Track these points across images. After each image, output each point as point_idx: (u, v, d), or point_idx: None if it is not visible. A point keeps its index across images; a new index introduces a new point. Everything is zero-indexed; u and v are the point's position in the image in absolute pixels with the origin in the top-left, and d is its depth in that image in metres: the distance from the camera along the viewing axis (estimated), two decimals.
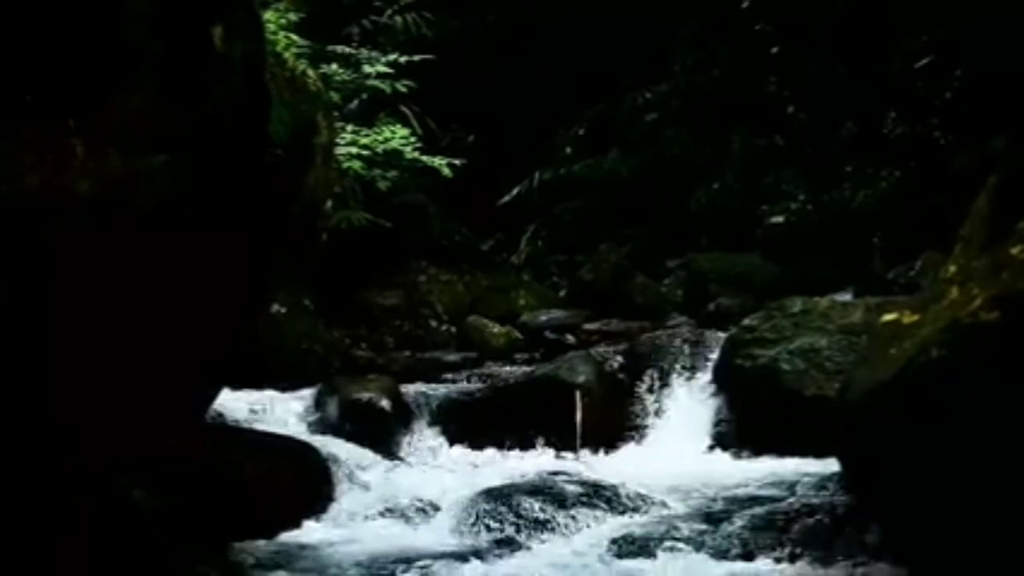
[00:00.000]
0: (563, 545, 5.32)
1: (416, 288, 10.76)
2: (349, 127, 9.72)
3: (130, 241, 3.91)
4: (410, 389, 7.89)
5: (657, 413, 7.41)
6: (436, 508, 5.89)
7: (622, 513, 5.61)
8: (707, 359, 7.57)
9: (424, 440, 7.45)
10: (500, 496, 5.77)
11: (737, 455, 6.88)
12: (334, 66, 9.89)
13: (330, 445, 6.78)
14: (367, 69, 10.19)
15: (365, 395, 7.50)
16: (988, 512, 3.87)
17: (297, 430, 7.17)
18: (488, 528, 5.56)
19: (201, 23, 4.10)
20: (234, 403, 6.99)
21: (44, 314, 3.79)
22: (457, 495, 5.92)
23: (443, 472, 6.79)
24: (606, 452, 7.19)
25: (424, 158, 10.18)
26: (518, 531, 5.50)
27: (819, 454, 5.95)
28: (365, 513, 5.94)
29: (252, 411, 7.21)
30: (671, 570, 4.89)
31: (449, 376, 8.61)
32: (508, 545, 5.35)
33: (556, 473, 6.43)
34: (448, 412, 7.63)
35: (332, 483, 6.14)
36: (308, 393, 7.70)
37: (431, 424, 7.54)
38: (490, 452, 7.25)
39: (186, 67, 4.02)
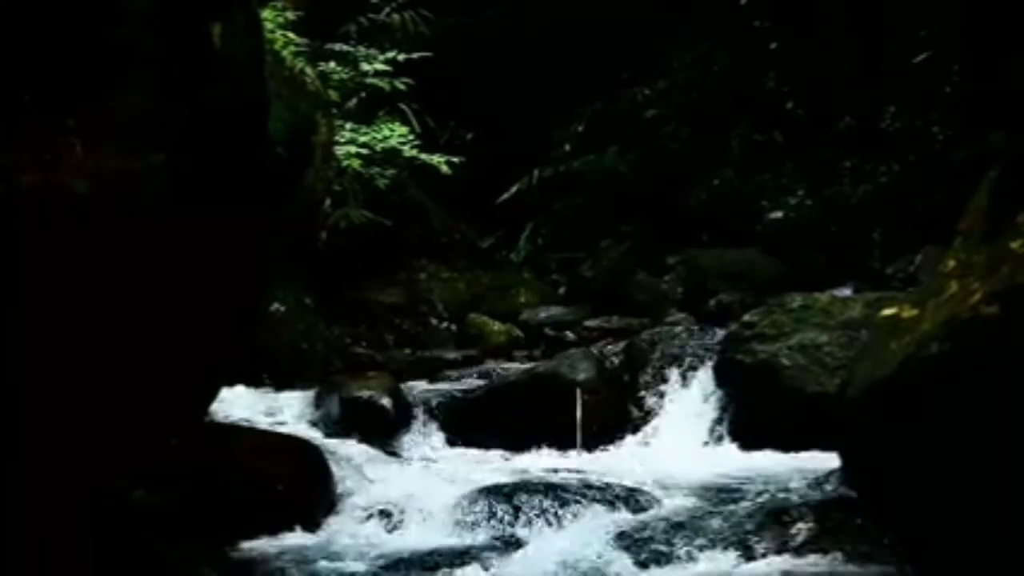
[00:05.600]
0: (564, 542, 5.31)
1: (416, 286, 10.76)
2: (348, 125, 9.72)
3: (129, 240, 3.91)
4: (410, 387, 7.89)
5: (657, 410, 7.40)
6: (437, 506, 5.89)
7: (623, 510, 5.61)
8: (707, 355, 7.56)
9: (424, 438, 7.45)
10: (501, 494, 5.77)
11: (738, 451, 6.88)
12: (332, 64, 9.88)
13: (330, 443, 6.78)
14: (365, 67, 10.19)
15: (365, 393, 7.50)
16: (990, 507, 3.87)
17: (297, 428, 7.17)
18: (489, 526, 5.56)
19: (199, 22, 4.10)
20: (234, 402, 6.99)
21: (44, 314, 3.79)
22: (458, 493, 5.92)
23: (444, 470, 6.79)
24: (607, 449, 7.19)
25: (423, 156, 10.18)
26: (519, 529, 5.51)
27: (819, 450, 5.95)
28: (365, 511, 5.93)
29: (252, 410, 7.21)
30: (671, 566, 4.89)
31: (449, 374, 8.61)
32: (509, 543, 5.36)
33: (556, 470, 6.44)
34: (449, 410, 7.62)
35: (333, 481, 6.14)
36: (308, 391, 7.70)
37: (431, 422, 7.53)
38: (491, 450, 7.25)
39: (184, 66, 4.02)
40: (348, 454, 6.66)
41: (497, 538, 5.44)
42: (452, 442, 7.45)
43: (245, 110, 4.44)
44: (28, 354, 3.81)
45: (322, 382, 7.87)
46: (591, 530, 5.38)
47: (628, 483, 5.93)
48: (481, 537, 5.48)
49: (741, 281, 10.24)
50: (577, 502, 5.66)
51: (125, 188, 3.82)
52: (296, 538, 5.60)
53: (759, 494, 5.69)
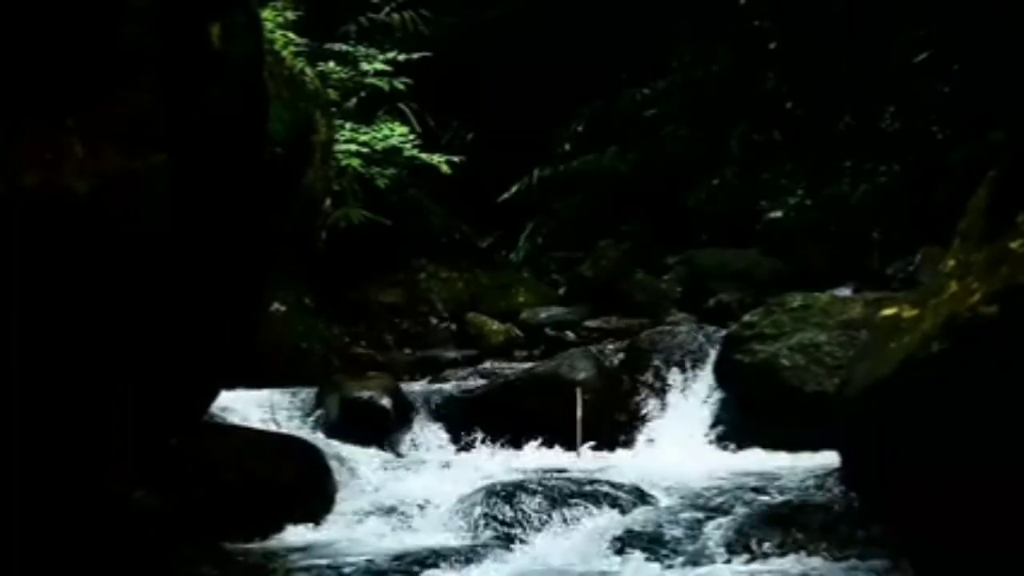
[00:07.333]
0: (563, 542, 5.31)
1: (416, 285, 10.76)
2: (347, 125, 9.73)
3: (129, 240, 3.91)
4: (410, 387, 7.88)
5: (657, 410, 7.41)
6: (436, 506, 5.89)
7: (622, 510, 5.60)
8: (707, 355, 7.56)
9: (424, 438, 7.45)
10: (500, 494, 5.76)
11: (737, 451, 6.88)
12: (332, 64, 9.89)
13: (330, 444, 6.78)
14: (365, 67, 10.19)
15: (365, 393, 7.49)
16: (989, 506, 3.87)
17: (297, 429, 7.17)
18: (488, 526, 5.55)
19: (199, 22, 4.10)
20: (234, 402, 6.98)
21: (43, 314, 3.79)
22: (457, 493, 5.92)
23: (443, 469, 6.78)
24: (606, 449, 7.19)
25: (423, 155, 10.19)
26: (518, 528, 5.49)
27: (819, 449, 5.95)
28: (366, 511, 5.93)
29: (252, 410, 7.21)
30: (670, 567, 4.89)
31: (449, 373, 8.61)
32: (508, 543, 5.35)
33: (556, 470, 6.44)
34: (448, 410, 7.63)
35: (333, 482, 6.14)
36: (308, 391, 7.70)
37: (431, 422, 7.54)
38: (490, 449, 7.25)
39: (184, 66, 4.02)
40: (347, 454, 6.66)
41: (496, 538, 5.43)
42: (452, 442, 7.44)
43: (245, 109, 4.44)
44: (27, 354, 3.81)
45: (322, 382, 7.86)
46: (591, 530, 5.38)
47: (628, 483, 5.92)
48: (480, 537, 5.48)
49: (741, 281, 10.25)
50: (577, 502, 5.65)
51: (126, 188, 3.82)
52: (295, 538, 5.60)
53: (759, 494, 5.68)
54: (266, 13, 7.51)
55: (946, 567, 4.16)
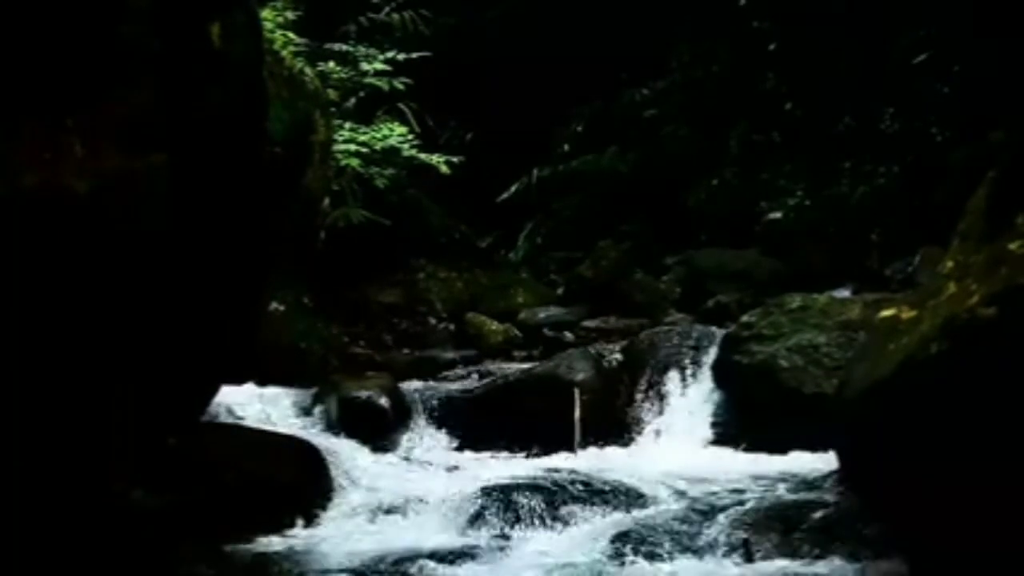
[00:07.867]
0: (562, 542, 5.32)
1: (415, 285, 10.75)
2: (347, 125, 9.72)
3: (129, 240, 3.91)
4: (409, 387, 7.89)
5: (655, 410, 7.40)
6: (434, 505, 5.89)
7: (620, 510, 5.61)
8: (705, 356, 7.56)
9: (423, 438, 7.45)
10: (499, 494, 5.77)
11: (735, 452, 6.88)
12: (331, 64, 9.89)
13: (329, 443, 6.78)
14: (365, 67, 10.19)
15: (364, 393, 7.49)
16: (988, 507, 3.87)
17: (296, 428, 7.17)
18: (487, 526, 5.56)
19: (199, 22, 4.10)
20: (233, 401, 6.98)
21: (43, 314, 3.79)
22: (456, 493, 5.92)
23: (442, 470, 6.79)
24: (605, 449, 7.18)
25: (422, 155, 10.18)
26: (516, 528, 5.51)
27: (817, 450, 5.96)
28: (364, 511, 5.94)
29: (250, 409, 7.21)
30: (669, 567, 4.90)
31: (448, 374, 8.61)
32: (506, 543, 5.36)
33: (555, 470, 6.43)
34: (447, 410, 7.63)
35: (331, 481, 6.15)
36: (307, 391, 7.70)
37: (430, 422, 7.53)
38: (488, 450, 7.25)
39: (184, 66, 4.03)
40: (346, 454, 6.66)
41: (494, 538, 5.44)
42: (450, 442, 7.44)
43: (245, 109, 4.44)
44: (27, 354, 3.82)
45: (320, 381, 7.86)
46: (589, 530, 5.39)
47: (626, 483, 5.93)
48: (478, 537, 5.48)
49: (740, 282, 10.25)
50: (575, 502, 5.67)
51: (126, 188, 3.83)
52: (294, 537, 5.61)
53: (757, 494, 5.69)
54: (266, 13, 7.51)
55: (945, 567, 4.17)
